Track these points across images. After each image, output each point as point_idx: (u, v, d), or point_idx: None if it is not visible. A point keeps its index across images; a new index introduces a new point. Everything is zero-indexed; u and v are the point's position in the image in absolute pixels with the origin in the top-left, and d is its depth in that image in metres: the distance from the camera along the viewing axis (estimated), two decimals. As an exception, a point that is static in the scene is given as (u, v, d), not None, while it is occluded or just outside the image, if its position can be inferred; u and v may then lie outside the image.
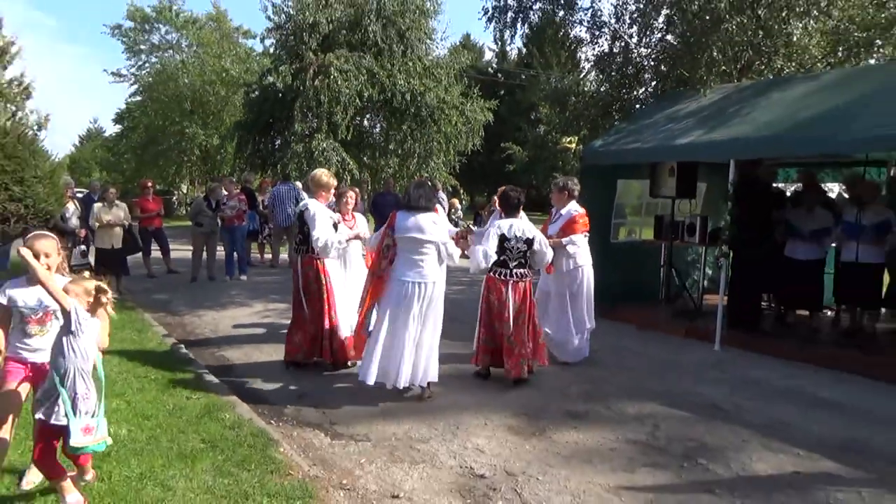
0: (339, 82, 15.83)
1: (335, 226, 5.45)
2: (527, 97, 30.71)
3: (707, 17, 8.39)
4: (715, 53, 8.53)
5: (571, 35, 12.30)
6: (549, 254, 5.38)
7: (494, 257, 5.13)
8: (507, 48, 38.08)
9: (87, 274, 3.12)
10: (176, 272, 10.90)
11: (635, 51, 10.54)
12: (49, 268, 3.00)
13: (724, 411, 4.72)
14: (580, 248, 5.80)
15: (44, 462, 2.91)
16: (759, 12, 8.72)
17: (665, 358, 6.20)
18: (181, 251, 11.65)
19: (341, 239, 5.46)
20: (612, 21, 10.78)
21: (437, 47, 19.43)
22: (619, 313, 7.58)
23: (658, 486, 3.56)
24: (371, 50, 16.99)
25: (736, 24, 8.29)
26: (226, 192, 10.69)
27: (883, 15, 9.56)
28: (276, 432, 4.13)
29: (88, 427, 2.83)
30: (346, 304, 5.55)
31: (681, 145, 6.95)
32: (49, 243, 3.07)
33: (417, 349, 4.75)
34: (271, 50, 19.45)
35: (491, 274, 5.27)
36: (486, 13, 11.21)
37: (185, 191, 33.12)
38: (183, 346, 6.27)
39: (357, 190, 7.46)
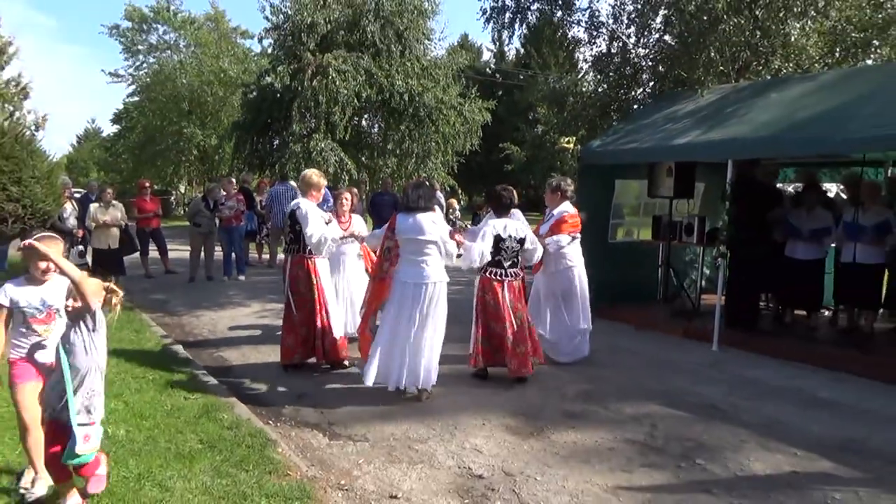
0: (338, 82, 15.80)
1: (327, 224, 5.45)
2: (525, 97, 30.77)
3: (705, 18, 8.39)
4: (712, 54, 8.53)
5: (569, 35, 12.33)
6: (539, 251, 5.44)
7: (489, 257, 5.14)
8: (506, 48, 38.28)
9: (85, 274, 3.11)
10: (174, 272, 10.90)
11: (633, 51, 10.54)
12: (49, 269, 3.00)
13: (722, 411, 4.73)
14: (567, 249, 5.78)
15: (54, 465, 2.91)
16: (757, 13, 8.74)
17: (663, 358, 6.21)
18: (179, 251, 11.65)
19: (335, 236, 5.46)
20: (610, 21, 10.79)
21: (435, 48, 19.44)
22: (617, 313, 7.59)
23: (656, 485, 3.57)
24: (369, 50, 16.96)
25: (733, 25, 8.30)
26: (224, 193, 10.70)
27: (880, 15, 9.58)
28: (274, 433, 4.13)
29: (87, 436, 2.82)
30: (338, 304, 5.53)
31: (679, 145, 6.97)
32: (57, 247, 3.06)
33: (418, 351, 4.74)
34: (269, 50, 19.40)
35: (486, 274, 5.27)
36: (484, 13, 11.19)
37: (182, 191, 33.07)
38: (181, 346, 6.28)
39: (355, 190, 7.46)
